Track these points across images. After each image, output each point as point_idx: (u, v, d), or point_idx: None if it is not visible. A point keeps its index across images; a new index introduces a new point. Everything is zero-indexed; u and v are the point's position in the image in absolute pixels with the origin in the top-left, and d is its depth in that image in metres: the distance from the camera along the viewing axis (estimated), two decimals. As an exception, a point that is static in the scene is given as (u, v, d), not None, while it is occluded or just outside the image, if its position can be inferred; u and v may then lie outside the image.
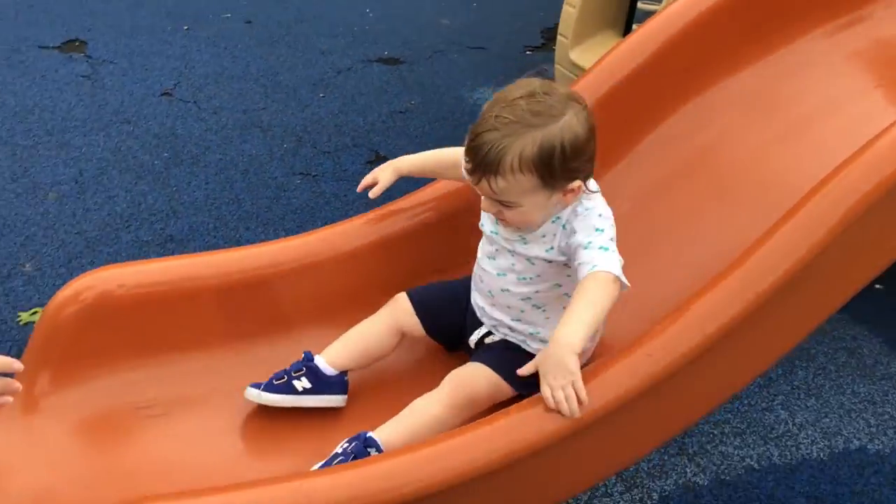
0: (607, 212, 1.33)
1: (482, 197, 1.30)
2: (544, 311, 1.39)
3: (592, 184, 1.34)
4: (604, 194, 1.38)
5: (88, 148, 2.83)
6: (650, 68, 1.79)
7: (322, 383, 1.44)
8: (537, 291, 1.37)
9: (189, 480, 1.23)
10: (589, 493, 1.75)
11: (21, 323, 2.08)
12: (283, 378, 1.43)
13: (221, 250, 1.55)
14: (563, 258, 1.33)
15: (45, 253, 2.33)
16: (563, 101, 1.24)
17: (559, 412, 1.16)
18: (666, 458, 1.85)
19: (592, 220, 1.30)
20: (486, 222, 1.42)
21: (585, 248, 1.27)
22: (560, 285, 1.38)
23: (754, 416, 1.97)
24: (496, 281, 1.39)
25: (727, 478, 1.81)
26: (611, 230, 1.31)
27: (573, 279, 1.31)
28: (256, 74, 3.41)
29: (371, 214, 1.61)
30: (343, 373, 1.48)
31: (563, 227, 1.32)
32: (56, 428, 1.35)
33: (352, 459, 1.27)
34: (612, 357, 1.22)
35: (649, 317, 1.33)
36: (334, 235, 1.54)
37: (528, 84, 1.26)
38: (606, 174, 1.69)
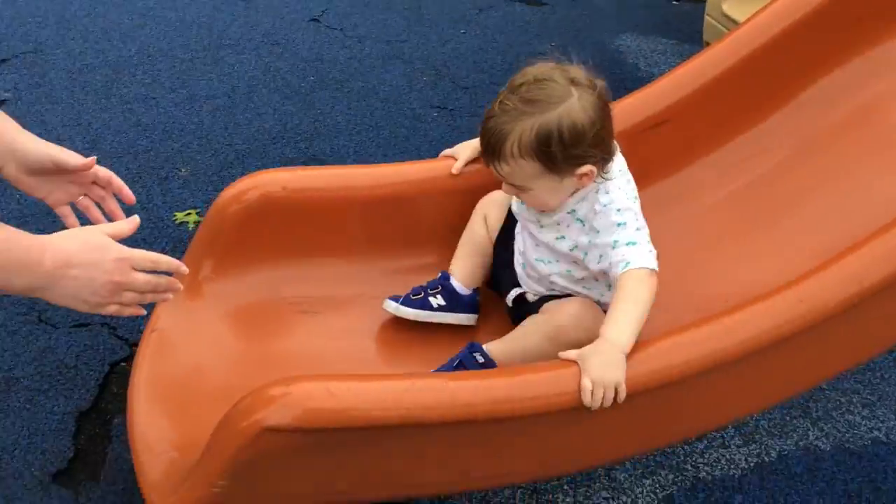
0: (626, 201, 1.32)
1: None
2: (577, 280, 1.42)
3: (612, 167, 1.33)
4: (759, 143, 1.36)
5: (240, 66, 2.96)
6: (811, 22, 1.72)
7: (455, 302, 1.51)
8: (558, 272, 1.41)
9: (331, 372, 1.31)
10: (705, 443, 1.75)
11: (177, 222, 2.23)
12: (420, 294, 1.50)
13: (375, 165, 1.61)
14: (580, 255, 1.36)
15: (200, 160, 2.47)
16: (566, 87, 1.25)
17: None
18: (788, 418, 1.83)
19: (612, 216, 1.30)
20: (513, 200, 1.47)
21: (613, 247, 1.29)
22: (577, 263, 1.40)
23: (886, 389, 1.91)
24: (526, 254, 1.44)
25: (852, 447, 1.78)
26: (634, 220, 1.31)
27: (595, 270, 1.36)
28: (400, 6, 3.45)
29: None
30: (475, 290, 1.54)
31: (581, 222, 1.34)
32: (215, 312, 1.46)
33: (457, 364, 1.35)
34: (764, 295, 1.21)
35: (798, 269, 1.31)
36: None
37: (535, 70, 1.29)
38: (762, 123, 1.65)
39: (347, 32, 3.24)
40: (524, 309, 1.47)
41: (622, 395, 1.14)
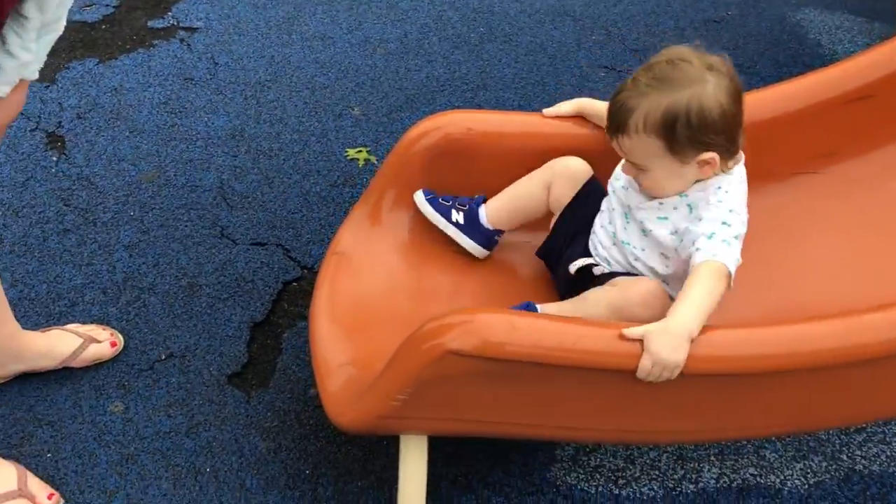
0: (741, 208, 1.29)
1: (623, 159, 1.32)
2: (651, 269, 1.38)
3: (737, 165, 1.31)
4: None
5: (414, 13, 3.01)
6: None
7: (472, 228, 1.52)
8: (644, 250, 1.37)
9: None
10: (864, 435, 1.70)
11: (348, 157, 2.32)
12: (450, 202, 1.53)
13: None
14: (675, 242, 1.31)
15: (371, 101, 2.55)
16: (702, 70, 1.23)
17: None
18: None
19: (722, 213, 1.27)
20: (619, 178, 1.42)
21: (709, 237, 1.25)
22: (666, 257, 1.36)
23: None
24: (616, 233, 1.41)
25: None
26: (739, 227, 1.27)
27: (676, 261, 1.33)
28: (575, -37, 3.41)
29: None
30: (498, 231, 1.53)
31: (689, 207, 1.30)
32: (392, 241, 1.53)
33: None
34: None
35: None
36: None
37: (672, 51, 1.28)
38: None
39: (520, -14, 3.23)
40: (586, 281, 1.43)
41: (674, 376, 1.14)
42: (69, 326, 1.70)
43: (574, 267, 1.43)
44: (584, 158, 1.51)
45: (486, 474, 1.59)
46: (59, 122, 2.29)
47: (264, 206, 2.11)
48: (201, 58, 2.64)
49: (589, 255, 1.44)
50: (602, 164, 1.48)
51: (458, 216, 1.51)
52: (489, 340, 1.11)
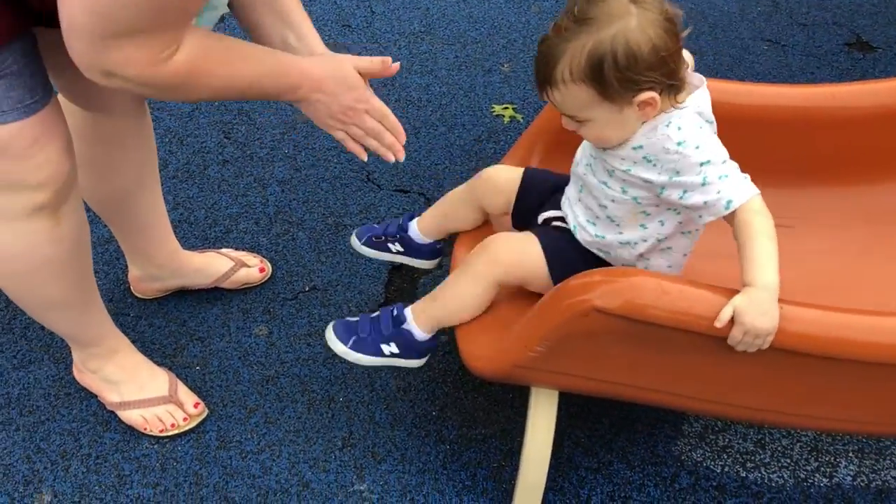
0: (701, 136, 1.13)
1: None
2: (619, 226, 1.25)
3: (690, 96, 1.15)
4: None
5: (572, -28, 2.96)
6: None
7: (412, 250, 1.52)
8: (613, 201, 1.23)
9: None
10: None
11: (494, 113, 2.32)
12: (381, 237, 1.53)
13: (754, 83, 1.56)
14: (655, 190, 1.17)
15: (521, 58, 2.54)
16: (625, 4, 1.07)
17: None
18: None
19: (692, 156, 1.12)
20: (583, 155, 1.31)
21: (703, 184, 1.12)
22: (644, 212, 1.22)
23: None
24: (582, 179, 1.28)
25: None
26: (719, 153, 1.13)
27: (659, 210, 1.20)
28: (746, -70, 3.24)
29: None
30: (436, 242, 1.51)
31: (648, 161, 1.16)
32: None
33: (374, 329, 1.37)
34: None
35: None
36: (864, 92, 1.47)
37: None
38: None
39: (684, -49, 3.10)
40: None
41: (767, 345, 1.08)
42: (223, 250, 1.80)
43: (541, 218, 1.37)
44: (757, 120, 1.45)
45: (610, 439, 1.58)
46: (225, 59, 2.40)
47: (409, 154, 2.14)
48: (359, 5, 2.69)
49: (557, 207, 1.37)
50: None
51: (394, 246, 1.53)
52: (636, 302, 1.09)
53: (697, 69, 1.24)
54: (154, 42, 1.00)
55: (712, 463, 1.55)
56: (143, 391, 1.52)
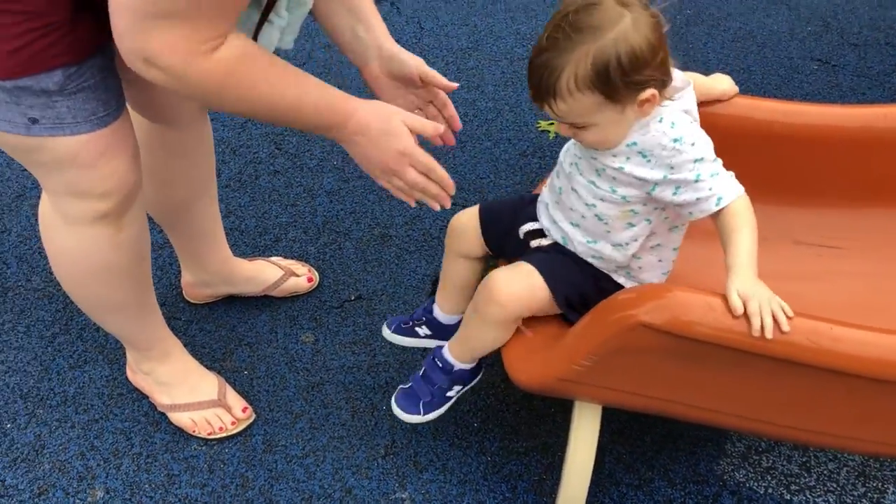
0: (695, 133, 1.17)
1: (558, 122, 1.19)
2: (606, 224, 1.26)
3: (676, 91, 1.19)
4: None
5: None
6: None
7: (440, 330, 1.53)
8: (602, 199, 1.24)
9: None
10: None
11: (539, 129, 2.34)
12: (409, 322, 1.55)
13: (795, 102, 1.57)
14: (647, 187, 1.19)
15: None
16: (617, 9, 1.10)
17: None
18: None
19: (688, 152, 1.15)
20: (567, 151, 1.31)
21: (696, 181, 1.16)
22: (632, 210, 1.23)
23: None
24: (568, 179, 1.28)
25: None
26: (709, 150, 1.17)
27: (647, 209, 1.23)
28: (797, -51, 3.23)
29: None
30: (461, 315, 1.49)
31: (643, 156, 1.18)
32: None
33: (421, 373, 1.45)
34: None
35: None
36: None
37: None
38: None
39: (733, -30, 3.10)
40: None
41: (786, 310, 1.07)
42: (273, 259, 1.84)
43: (522, 232, 1.38)
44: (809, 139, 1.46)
45: (652, 457, 1.58)
46: (277, 72, 2.46)
47: (455, 168, 2.18)
48: (409, 21, 2.74)
49: (535, 218, 1.39)
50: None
51: (422, 330, 1.55)
52: (682, 318, 1.10)
53: (745, 88, 1.26)
54: (195, 31, 0.99)
55: (755, 484, 1.54)
56: (193, 394, 1.56)
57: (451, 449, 1.57)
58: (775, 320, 1.07)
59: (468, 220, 1.44)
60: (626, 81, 1.11)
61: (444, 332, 1.54)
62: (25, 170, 2.05)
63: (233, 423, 1.56)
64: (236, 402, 1.58)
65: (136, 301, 1.44)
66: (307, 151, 2.21)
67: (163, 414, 1.58)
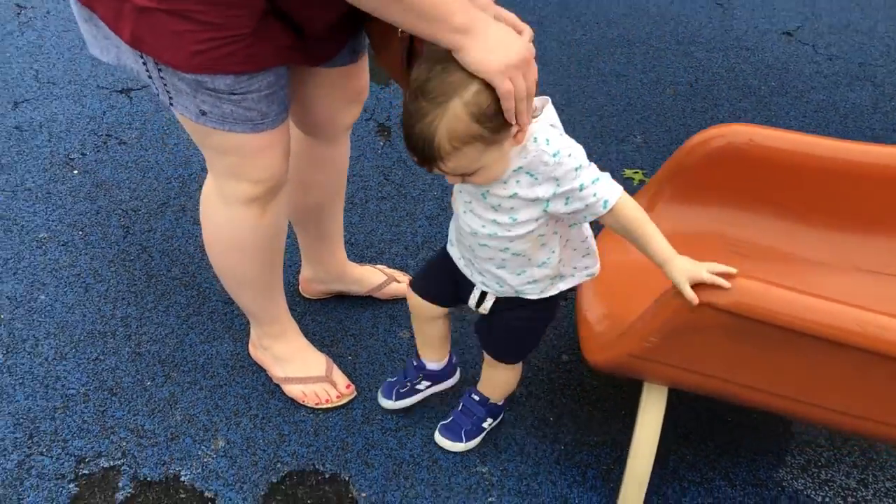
0: (569, 143, 1.26)
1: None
2: (525, 255, 1.36)
3: (538, 112, 1.27)
4: None
5: (707, 62, 3.19)
6: None
7: (437, 378, 1.76)
8: (511, 241, 1.33)
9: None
10: None
11: (624, 176, 2.54)
12: (407, 386, 1.74)
13: (839, 139, 1.72)
14: (542, 205, 1.28)
15: (653, 132, 2.76)
16: (461, 69, 1.14)
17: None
18: None
19: (568, 162, 1.24)
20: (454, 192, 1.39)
21: (581, 189, 1.25)
22: (532, 231, 1.32)
23: None
24: (474, 236, 1.37)
25: None
26: (584, 156, 1.26)
27: (549, 227, 1.33)
28: (882, 33, 3.38)
29: None
30: (449, 360, 1.73)
31: (531, 175, 1.26)
32: (664, 225, 1.69)
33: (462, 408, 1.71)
34: None
35: None
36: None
37: (425, 65, 1.18)
38: None
39: (819, 49, 3.28)
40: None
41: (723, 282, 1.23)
42: (378, 266, 2.07)
43: (472, 305, 1.51)
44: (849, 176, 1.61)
45: (714, 460, 1.70)
46: (388, 117, 2.75)
47: (545, 204, 2.39)
48: (509, 80, 3.01)
49: (471, 284, 1.49)
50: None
51: (422, 384, 1.75)
52: (742, 300, 1.26)
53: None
54: None
55: (813, 493, 1.64)
56: (304, 370, 1.78)
57: (528, 437, 1.74)
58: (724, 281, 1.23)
59: (414, 298, 1.61)
60: (497, 124, 1.17)
61: (443, 376, 1.77)
62: (169, 182, 2.37)
63: (337, 397, 1.77)
64: (341, 379, 1.79)
65: (266, 279, 1.68)
66: (411, 182, 2.47)
67: (277, 385, 1.80)
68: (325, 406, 1.76)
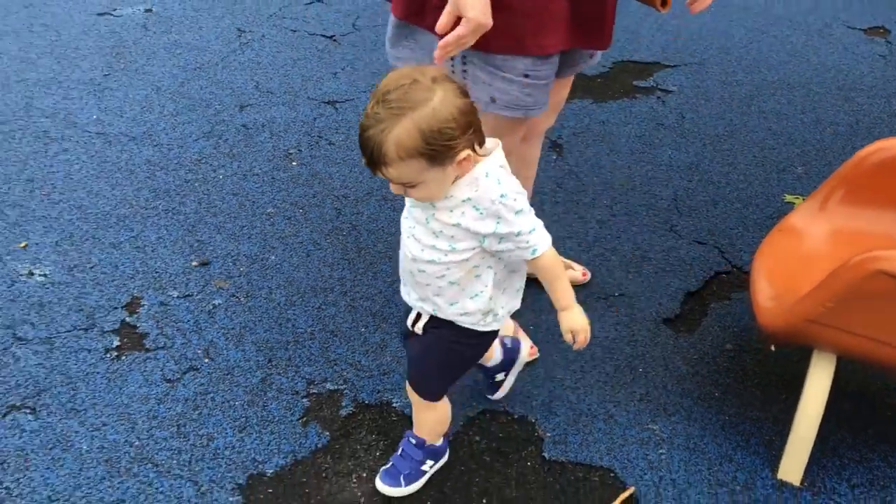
0: (516, 188, 1.38)
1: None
2: (459, 285, 1.46)
3: (488, 148, 1.38)
4: None
5: (868, 106, 3.31)
6: None
7: (439, 454, 1.76)
8: (448, 268, 1.43)
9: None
10: None
11: (785, 200, 2.71)
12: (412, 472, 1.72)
13: None
14: (479, 239, 1.39)
15: (814, 164, 2.91)
16: (430, 86, 1.27)
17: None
18: None
19: (512, 204, 1.36)
20: (407, 200, 1.46)
21: (517, 235, 1.38)
22: (468, 260, 1.42)
23: None
24: (414, 262, 1.46)
25: None
26: (526, 203, 1.38)
27: (484, 260, 1.43)
28: None
29: None
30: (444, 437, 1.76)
31: (477, 210, 1.36)
32: (834, 224, 1.88)
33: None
34: None
35: None
36: None
37: (395, 76, 1.29)
38: None
39: (984, 99, 3.34)
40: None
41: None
42: (557, 255, 2.32)
43: (410, 326, 1.58)
44: None
45: (874, 445, 1.82)
46: (560, 136, 3.03)
47: (708, 218, 2.59)
48: (672, 111, 3.24)
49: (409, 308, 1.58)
50: None
51: (427, 465, 1.73)
52: (917, 270, 1.43)
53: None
54: None
55: (972, 481, 1.74)
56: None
57: (695, 406, 1.92)
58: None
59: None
60: (443, 146, 1.28)
61: (440, 452, 1.75)
62: (372, 178, 2.72)
63: (525, 356, 2.01)
64: (525, 341, 2.04)
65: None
66: (581, 191, 2.72)
67: (469, 342, 2.07)
68: (512, 362, 2.01)
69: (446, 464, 1.77)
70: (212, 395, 1.91)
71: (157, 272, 2.28)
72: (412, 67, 1.32)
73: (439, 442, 1.74)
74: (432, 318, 1.54)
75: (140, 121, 2.99)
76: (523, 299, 2.23)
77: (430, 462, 1.73)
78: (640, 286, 2.31)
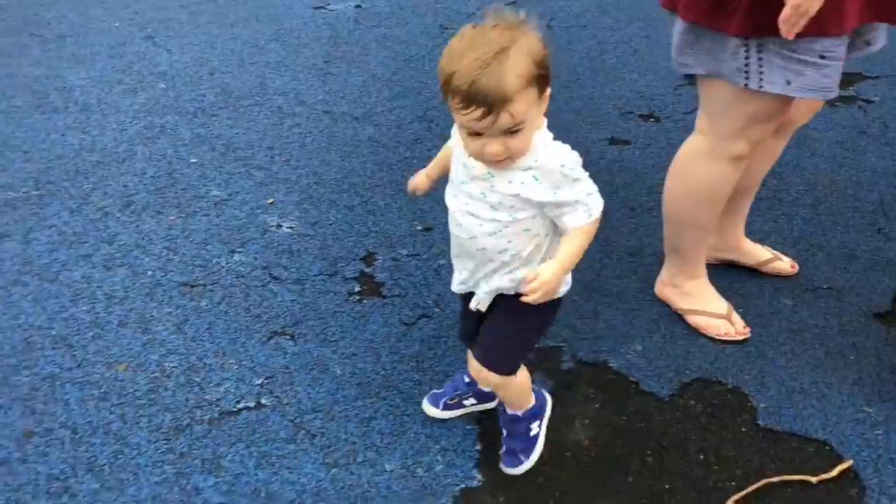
0: (574, 157, 1.38)
1: (480, 145, 1.30)
2: (523, 257, 1.46)
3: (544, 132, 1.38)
4: None
5: None
6: None
7: (482, 396, 1.87)
8: (510, 241, 1.43)
9: None
10: None
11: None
12: (456, 399, 1.85)
13: None
14: (532, 197, 1.38)
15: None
16: (511, 24, 1.27)
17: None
18: None
19: (571, 173, 1.36)
20: (459, 173, 1.44)
21: (577, 201, 1.38)
22: (529, 230, 1.43)
23: None
24: (472, 240, 1.45)
25: None
26: (584, 171, 1.39)
27: (536, 225, 1.42)
28: None
29: None
30: None
31: (536, 179, 1.36)
32: None
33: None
34: None
35: None
36: None
37: (474, 31, 1.28)
38: None
39: None
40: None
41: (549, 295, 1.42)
42: (765, 246, 2.38)
43: (474, 307, 1.58)
44: None
45: None
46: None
47: (802, 221, 2.58)
48: (874, 121, 3.21)
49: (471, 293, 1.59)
50: None
51: (468, 401, 1.86)
52: None
53: None
54: None
55: None
56: (706, 305, 2.14)
57: (825, 378, 1.95)
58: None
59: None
60: (547, 70, 1.30)
61: (486, 396, 1.86)
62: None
63: (737, 333, 2.10)
64: (738, 321, 2.13)
65: (709, 225, 2.06)
66: (784, 190, 2.76)
67: (680, 316, 2.17)
68: (723, 338, 2.10)
69: (662, 421, 1.89)
70: (444, 339, 2.11)
71: (386, 233, 2.52)
72: (480, 25, 1.29)
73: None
74: (498, 297, 1.55)
75: (360, 103, 3.28)
76: (729, 283, 2.31)
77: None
78: (849, 281, 2.34)
